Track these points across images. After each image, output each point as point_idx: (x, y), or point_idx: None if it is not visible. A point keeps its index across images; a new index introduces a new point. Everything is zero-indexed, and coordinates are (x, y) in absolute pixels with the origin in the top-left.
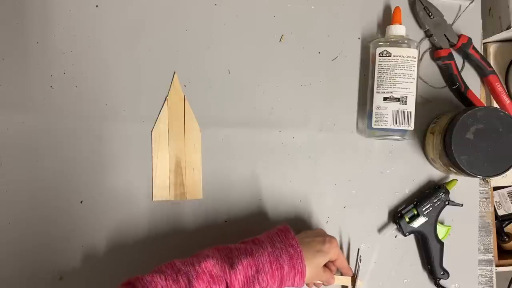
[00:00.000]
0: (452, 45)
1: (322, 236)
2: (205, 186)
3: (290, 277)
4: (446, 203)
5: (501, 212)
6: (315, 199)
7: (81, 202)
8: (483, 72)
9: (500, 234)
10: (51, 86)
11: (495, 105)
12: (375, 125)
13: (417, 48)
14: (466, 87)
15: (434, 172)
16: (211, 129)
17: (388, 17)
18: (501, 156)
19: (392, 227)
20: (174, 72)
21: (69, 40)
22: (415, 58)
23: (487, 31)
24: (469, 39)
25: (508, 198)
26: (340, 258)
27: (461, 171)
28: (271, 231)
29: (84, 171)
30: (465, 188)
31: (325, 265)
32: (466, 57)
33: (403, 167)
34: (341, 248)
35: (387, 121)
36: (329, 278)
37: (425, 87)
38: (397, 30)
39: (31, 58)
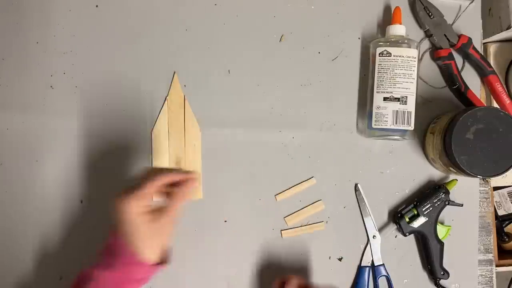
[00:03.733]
0: (452, 45)
1: None
2: (205, 186)
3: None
4: (446, 203)
5: (501, 212)
6: (315, 199)
7: (81, 202)
8: (483, 72)
9: (500, 234)
10: (51, 86)
11: (495, 105)
12: (375, 125)
13: (417, 48)
14: (466, 87)
15: (434, 172)
16: (211, 129)
17: (388, 17)
18: (501, 156)
19: (392, 227)
20: (174, 72)
21: (69, 40)
22: (415, 58)
23: (487, 31)
24: (469, 39)
25: (508, 198)
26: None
27: (461, 171)
28: None
29: (84, 171)
30: (465, 188)
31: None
32: (466, 57)
33: (403, 167)
34: (340, 247)
35: (387, 121)
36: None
37: (425, 87)
38: (397, 30)
39: (31, 58)
